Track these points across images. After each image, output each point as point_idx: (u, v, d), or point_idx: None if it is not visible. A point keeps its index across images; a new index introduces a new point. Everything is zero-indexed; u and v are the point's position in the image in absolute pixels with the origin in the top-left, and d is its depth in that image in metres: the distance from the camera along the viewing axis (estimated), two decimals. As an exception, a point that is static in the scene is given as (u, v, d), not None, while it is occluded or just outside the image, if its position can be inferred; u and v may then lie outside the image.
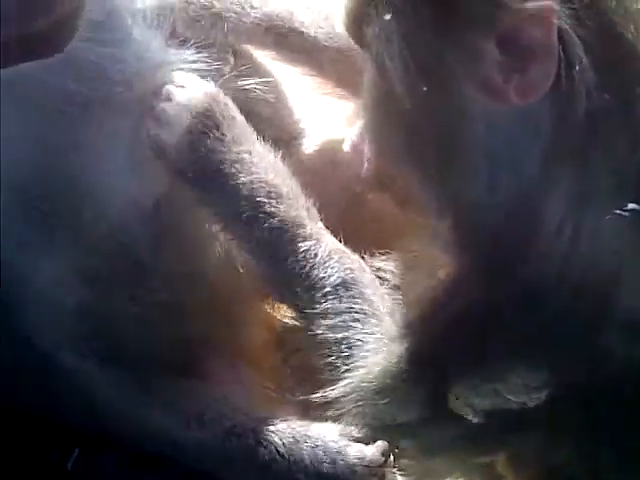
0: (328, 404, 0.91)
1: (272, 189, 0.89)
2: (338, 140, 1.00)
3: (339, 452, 0.93)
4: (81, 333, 0.93)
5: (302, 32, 1.02)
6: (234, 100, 0.94)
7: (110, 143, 0.90)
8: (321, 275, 0.89)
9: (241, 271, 0.99)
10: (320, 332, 0.89)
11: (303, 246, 0.89)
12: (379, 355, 0.88)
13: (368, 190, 0.97)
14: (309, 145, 1.08)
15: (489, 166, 0.78)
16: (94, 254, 0.91)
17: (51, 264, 0.91)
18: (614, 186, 0.77)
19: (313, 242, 0.89)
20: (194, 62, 0.94)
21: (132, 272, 0.94)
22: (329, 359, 0.89)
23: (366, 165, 0.90)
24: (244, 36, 1.02)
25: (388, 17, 0.75)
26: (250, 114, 0.96)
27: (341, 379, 0.89)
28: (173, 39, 0.96)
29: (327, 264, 0.89)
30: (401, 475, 0.97)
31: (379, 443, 0.93)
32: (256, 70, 1.04)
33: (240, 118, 0.91)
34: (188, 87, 0.91)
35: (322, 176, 1.04)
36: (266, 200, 0.88)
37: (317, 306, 0.89)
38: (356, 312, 0.89)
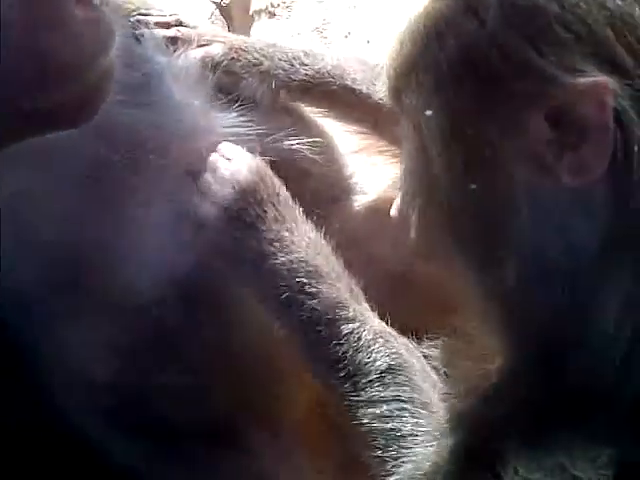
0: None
1: (312, 269, 0.87)
2: (390, 199, 0.95)
3: None
4: (115, 405, 0.91)
5: (354, 89, 1.00)
6: (282, 160, 0.92)
7: (144, 212, 0.88)
8: (365, 360, 0.85)
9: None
10: (366, 421, 0.85)
11: (346, 329, 0.86)
12: (429, 449, 0.83)
13: (415, 258, 0.94)
14: (360, 203, 1.05)
15: (537, 252, 0.74)
16: (131, 326, 0.89)
17: (88, 336, 0.88)
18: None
19: (357, 324, 0.86)
20: (239, 126, 0.92)
21: (170, 344, 0.92)
22: (376, 451, 0.85)
23: (412, 232, 0.86)
24: (294, 94, 1.00)
25: (429, 95, 0.71)
26: (299, 172, 0.95)
27: (389, 474, 0.84)
28: (217, 99, 0.93)
29: (372, 348, 0.86)
30: None
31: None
32: (307, 128, 1.01)
33: (284, 194, 0.90)
34: (234, 160, 0.90)
35: (371, 235, 1.01)
36: (305, 280, 0.86)
37: (362, 393, 0.85)
38: (403, 401, 0.85)
